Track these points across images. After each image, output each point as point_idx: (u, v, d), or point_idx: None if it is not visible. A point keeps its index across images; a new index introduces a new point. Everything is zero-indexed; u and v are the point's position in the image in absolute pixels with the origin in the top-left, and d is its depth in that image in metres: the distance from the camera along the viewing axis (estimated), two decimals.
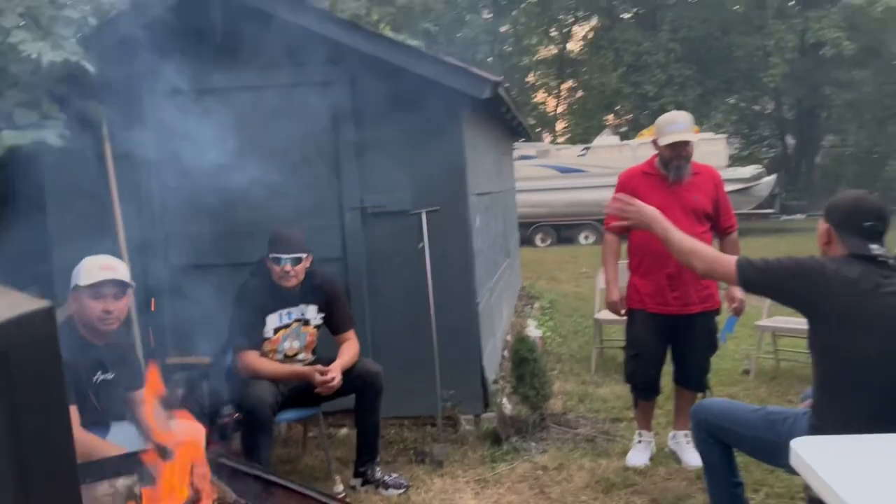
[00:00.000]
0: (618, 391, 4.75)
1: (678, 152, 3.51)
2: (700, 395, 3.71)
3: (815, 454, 1.80)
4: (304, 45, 3.81)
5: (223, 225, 4.16)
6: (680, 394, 3.78)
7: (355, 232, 4.18)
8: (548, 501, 3.31)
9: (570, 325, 7.30)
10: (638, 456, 3.68)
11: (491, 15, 25.87)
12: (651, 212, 2.66)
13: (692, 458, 3.38)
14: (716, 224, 3.67)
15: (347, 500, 3.25)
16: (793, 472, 2.01)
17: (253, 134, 4.01)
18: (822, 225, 2.41)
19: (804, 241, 12.91)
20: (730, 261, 2.45)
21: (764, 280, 2.38)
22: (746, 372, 5.19)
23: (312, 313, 3.53)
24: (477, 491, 3.44)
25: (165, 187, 4.04)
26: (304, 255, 3.40)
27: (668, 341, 3.65)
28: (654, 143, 3.62)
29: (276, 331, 3.44)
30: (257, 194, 3.88)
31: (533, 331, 5.93)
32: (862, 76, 19.63)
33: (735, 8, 22.52)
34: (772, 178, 15.96)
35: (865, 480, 1.67)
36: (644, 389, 3.71)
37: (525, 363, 4.12)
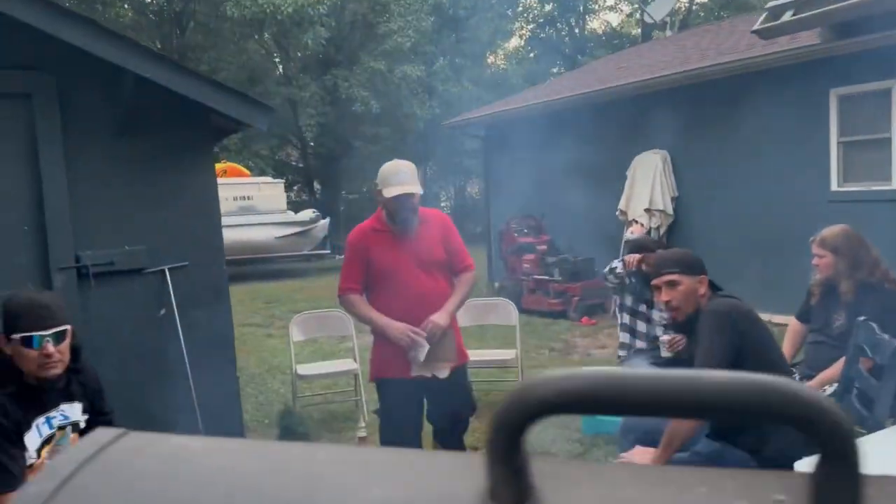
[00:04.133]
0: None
1: (404, 204, 3.23)
2: None
3: None
4: None
5: None
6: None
7: (70, 301, 3.05)
8: None
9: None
10: None
11: None
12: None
13: None
14: (452, 268, 3.51)
15: None
16: None
17: None
18: (688, 280, 2.73)
19: None
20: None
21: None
22: None
23: (78, 414, 2.47)
24: None
25: None
26: (67, 328, 2.37)
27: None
28: (378, 193, 3.29)
29: (41, 448, 2.32)
30: None
31: None
32: (384, 132, 22.50)
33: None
34: (326, 221, 17.01)
35: None
36: None
37: (299, 440, 3.56)
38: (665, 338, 4.28)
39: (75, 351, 2.43)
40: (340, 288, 3.34)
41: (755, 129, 7.74)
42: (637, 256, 4.31)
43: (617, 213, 8.89)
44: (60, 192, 3.01)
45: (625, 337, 4.54)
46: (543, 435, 4.58)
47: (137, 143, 3.20)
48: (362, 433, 4.71)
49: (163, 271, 3.24)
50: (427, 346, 3.15)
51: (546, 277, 8.95)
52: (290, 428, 3.57)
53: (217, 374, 3.41)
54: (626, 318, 4.52)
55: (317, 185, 27.52)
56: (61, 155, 3.01)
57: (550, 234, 9.69)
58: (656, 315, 4.47)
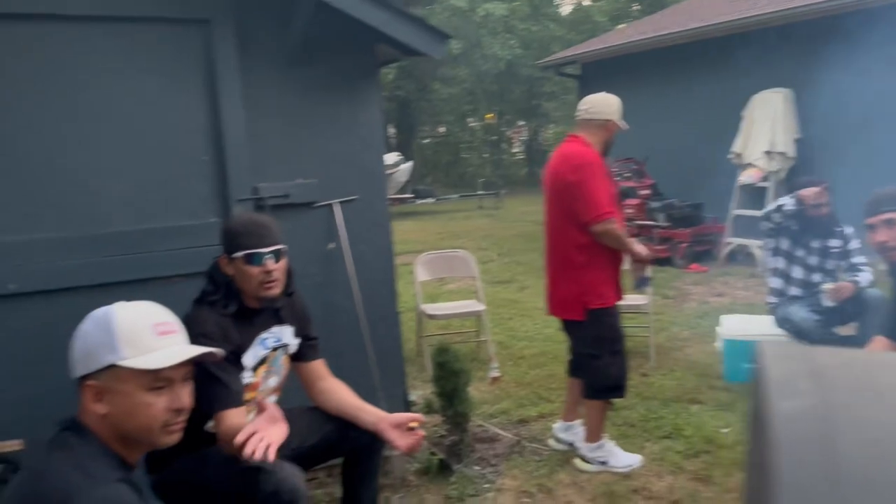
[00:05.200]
0: (482, 388, 4.44)
1: (615, 138, 3.40)
2: None
3: None
4: None
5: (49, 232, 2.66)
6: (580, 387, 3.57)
7: None
8: None
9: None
10: (629, 456, 3.38)
11: None
12: None
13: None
14: None
15: None
16: None
17: (78, 93, 2.67)
18: None
19: (441, 221, 14.07)
20: None
21: None
22: None
23: (290, 337, 2.48)
24: None
25: None
26: (284, 247, 2.37)
27: None
28: (607, 124, 3.32)
29: (257, 368, 2.34)
30: (98, 184, 2.65)
31: None
32: (463, 74, 22.09)
33: None
34: (409, 164, 16.92)
35: None
36: (625, 391, 3.42)
37: (454, 377, 3.53)
38: (829, 286, 4.06)
39: (288, 274, 2.41)
40: (602, 213, 3.13)
41: None
42: (815, 190, 4.06)
43: (730, 156, 8.49)
44: (238, 121, 2.96)
45: (777, 283, 4.33)
46: (685, 382, 4.46)
47: (309, 73, 3.11)
48: (495, 373, 4.68)
49: (331, 205, 3.19)
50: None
51: (650, 223, 8.68)
52: (446, 364, 3.53)
53: (381, 308, 3.38)
54: (781, 263, 4.30)
55: (391, 129, 27.42)
56: (239, 83, 2.95)
57: (654, 177, 9.36)
58: (813, 260, 4.24)
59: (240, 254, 2.28)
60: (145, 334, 1.44)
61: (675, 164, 9.23)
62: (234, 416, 2.14)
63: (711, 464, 3.33)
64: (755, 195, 8.29)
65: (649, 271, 3.58)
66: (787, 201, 4.11)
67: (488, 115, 22.70)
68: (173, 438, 1.47)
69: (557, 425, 3.71)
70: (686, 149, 8.99)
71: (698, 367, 4.74)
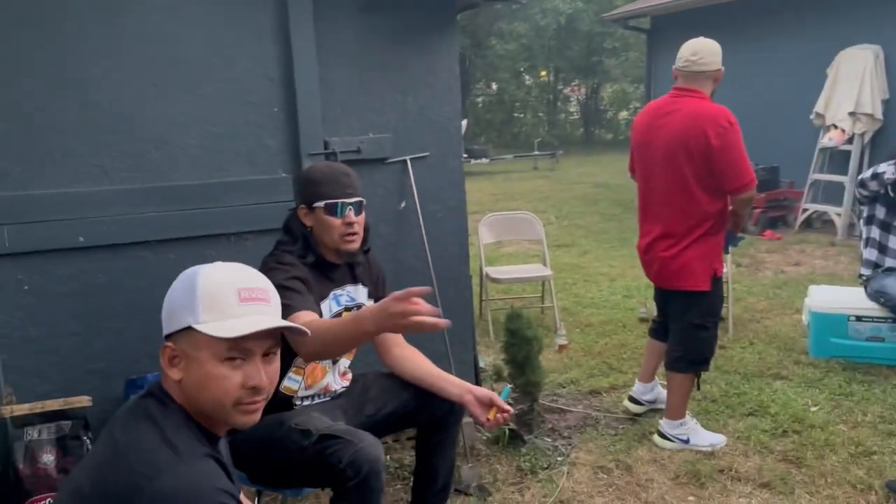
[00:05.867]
0: (548, 357, 4.27)
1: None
2: None
3: None
4: None
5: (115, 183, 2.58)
6: (662, 349, 3.40)
7: None
8: None
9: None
10: (712, 435, 3.22)
11: None
12: None
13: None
14: None
15: None
16: None
17: (148, 41, 2.57)
18: None
19: (495, 182, 13.81)
20: None
21: None
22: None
23: (363, 297, 2.35)
24: None
25: None
26: (364, 201, 2.25)
27: None
28: (717, 73, 3.09)
29: None
30: (168, 135, 2.59)
31: None
32: (521, 28, 21.50)
33: None
34: (464, 122, 16.63)
35: None
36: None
37: (526, 345, 3.37)
38: None
39: (366, 230, 2.28)
40: (752, 179, 2.97)
41: None
42: None
43: (811, 116, 8.01)
44: (311, 71, 2.80)
45: (871, 254, 4.03)
46: (766, 356, 4.22)
47: (384, 21, 2.92)
48: (562, 341, 4.51)
49: (404, 161, 3.03)
50: None
51: None
52: (518, 332, 3.37)
53: (452, 271, 3.22)
54: (876, 233, 3.99)
55: None
56: (312, 31, 2.78)
57: None
58: None
59: (321, 203, 2.16)
60: (228, 299, 1.28)
61: (751, 125, 8.73)
62: (304, 317, 1.97)
63: (802, 444, 3.13)
64: (837, 159, 7.84)
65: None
66: (886, 168, 3.78)
67: (542, 72, 22.10)
68: (249, 420, 1.31)
69: (636, 387, 3.56)
70: (763, 109, 8.51)
71: (779, 340, 4.48)
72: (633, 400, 3.56)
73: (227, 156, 2.79)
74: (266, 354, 1.31)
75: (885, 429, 3.22)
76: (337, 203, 2.16)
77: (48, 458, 2.52)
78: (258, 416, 1.33)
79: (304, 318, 1.95)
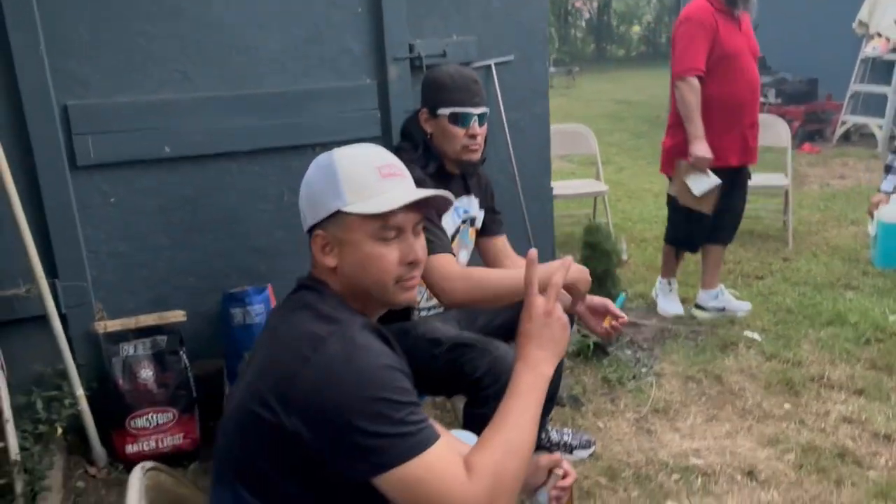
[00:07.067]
0: None
1: None
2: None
3: None
4: None
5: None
6: (713, 251, 3.57)
7: (404, 94, 2.77)
8: (747, 417, 2.71)
9: None
10: (674, 305, 3.62)
11: None
12: None
13: (741, 305, 3.56)
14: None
15: None
16: None
17: None
18: None
19: None
20: None
21: None
22: None
23: (476, 209, 2.27)
24: (662, 424, 2.69)
25: None
26: (488, 111, 2.12)
27: None
28: None
29: (452, 239, 2.14)
30: (250, 39, 2.47)
31: None
32: None
33: None
34: None
35: None
36: (697, 247, 3.58)
37: (605, 258, 3.31)
38: None
39: (484, 142, 2.17)
40: (685, 68, 3.17)
41: None
42: None
43: (854, 24, 7.73)
44: None
45: None
46: (833, 268, 4.17)
47: None
48: (624, 255, 4.44)
49: (489, 66, 2.89)
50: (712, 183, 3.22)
51: (760, 100, 8.07)
52: (598, 245, 3.31)
53: (536, 183, 3.13)
54: None
55: None
56: None
57: (762, 50, 8.64)
58: None
59: (446, 111, 2.03)
60: (369, 177, 1.22)
61: (788, 35, 8.48)
62: (447, 259, 1.92)
63: (888, 352, 3.10)
64: (880, 69, 7.60)
65: (712, 177, 3.24)
66: None
67: None
68: (410, 296, 1.28)
69: (700, 295, 3.62)
70: (801, 17, 8.22)
71: (842, 251, 4.42)
72: (699, 307, 3.59)
73: (311, 61, 2.65)
74: (415, 230, 1.25)
75: None
76: (464, 113, 2.03)
77: (147, 373, 2.49)
78: (416, 292, 1.29)
79: (442, 263, 1.87)
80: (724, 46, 3.16)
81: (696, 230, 3.44)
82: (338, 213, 1.20)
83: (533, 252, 1.29)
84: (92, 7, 2.33)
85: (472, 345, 1.91)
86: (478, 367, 1.87)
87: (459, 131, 2.03)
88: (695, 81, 3.18)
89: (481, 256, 2.33)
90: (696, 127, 3.19)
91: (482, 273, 1.94)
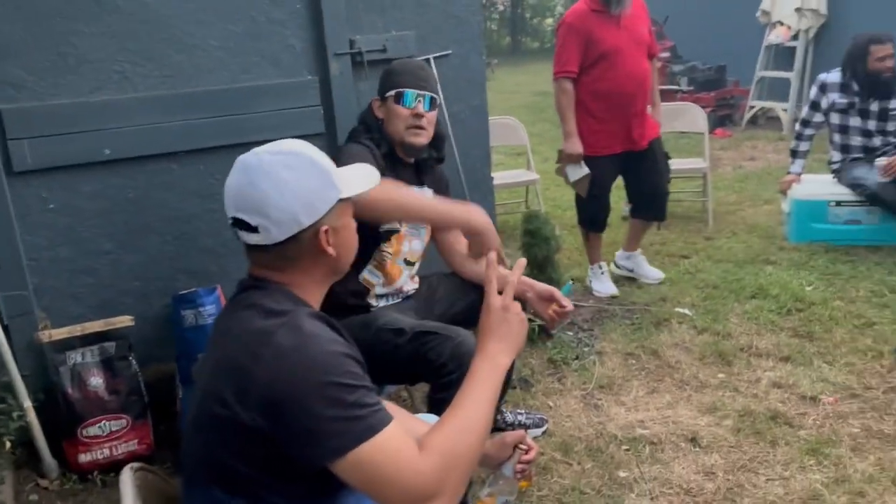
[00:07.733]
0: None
1: None
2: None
3: None
4: None
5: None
6: (638, 225, 3.95)
7: (346, 90, 2.79)
8: (686, 388, 2.88)
9: None
10: (608, 286, 3.85)
11: None
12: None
13: (652, 272, 3.94)
14: (648, 51, 3.64)
15: None
16: None
17: None
18: None
19: None
20: None
21: None
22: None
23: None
24: (607, 399, 2.82)
25: None
26: (438, 99, 2.22)
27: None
28: None
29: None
30: (188, 35, 2.46)
31: None
32: None
33: None
34: None
35: None
36: (602, 226, 3.84)
37: (545, 244, 3.42)
38: (883, 161, 4.02)
39: (439, 139, 2.23)
40: (557, 70, 3.48)
41: None
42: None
43: (758, 14, 8.16)
44: None
45: (836, 155, 4.31)
46: (751, 244, 4.43)
47: None
48: None
49: (428, 60, 2.94)
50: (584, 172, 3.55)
51: (672, 87, 8.43)
52: (537, 232, 3.41)
53: (476, 173, 3.20)
54: (837, 138, 4.29)
55: None
56: None
57: (674, 39, 9.01)
58: (871, 125, 4.16)
59: (391, 92, 2.15)
60: (332, 164, 1.28)
61: (697, 25, 8.88)
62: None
63: (808, 320, 3.34)
64: (783, 55, 8.06)
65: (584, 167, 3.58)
66: (827, 77, 4.26)
67: None
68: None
69: (618, 253, 4.07)
70: (708, 8, 8.61)
71: (759, 229, 4.70)
72: (615, 265, 4.05)
73: (251, 57, 2.64)
74: None
75: (878, 302, 3.47)
76: (406, 92, 2.12)
77: (97, 380, 2.44)
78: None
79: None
80: (600, 45, 3.39)
81: (595, 211, 3.76)
82: (338, 203, 1.25)
83: (492, 254, 1.36)
84: (23, 6, 2.25)
85: (434, 332, 1.97)
86: (442, 353, 1.93)
87: (404, 111, 2.13)
88: (566, 83, 3.49)
89: (438, 247, 2.38)
90: (568, 124, 3.52)
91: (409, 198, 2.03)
